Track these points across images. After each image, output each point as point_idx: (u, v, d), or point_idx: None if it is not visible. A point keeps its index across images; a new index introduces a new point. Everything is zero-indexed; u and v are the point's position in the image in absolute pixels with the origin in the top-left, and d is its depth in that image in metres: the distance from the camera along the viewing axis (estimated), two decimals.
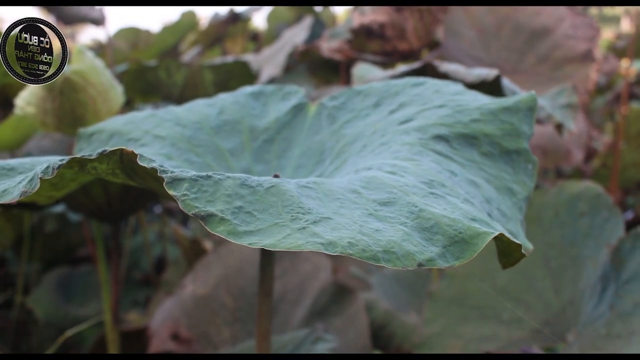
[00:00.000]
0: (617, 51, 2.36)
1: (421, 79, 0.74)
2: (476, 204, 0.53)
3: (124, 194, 1.00)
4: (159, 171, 0.45)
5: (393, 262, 0.42)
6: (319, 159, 0.73)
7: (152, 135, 0.74)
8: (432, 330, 1.02)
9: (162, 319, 1.18)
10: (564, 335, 0.91)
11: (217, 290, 1.17)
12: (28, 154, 1.52)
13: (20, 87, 1.13)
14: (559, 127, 1.03)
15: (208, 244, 1.48)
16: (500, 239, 0.48)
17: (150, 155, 0.69)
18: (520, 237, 0.56)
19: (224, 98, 0.83)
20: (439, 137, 0.61)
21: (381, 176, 0.52)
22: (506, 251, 0.51)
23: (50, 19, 2.12)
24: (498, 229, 0.48)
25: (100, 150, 0.49)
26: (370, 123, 0.70)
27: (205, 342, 1.14)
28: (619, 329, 0.81)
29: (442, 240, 0.45)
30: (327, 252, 0.40)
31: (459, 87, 0.70)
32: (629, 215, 2.08)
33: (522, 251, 0.49)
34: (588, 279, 0.93)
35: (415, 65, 0.99)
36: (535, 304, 0.98)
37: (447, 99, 0.67)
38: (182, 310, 1.17)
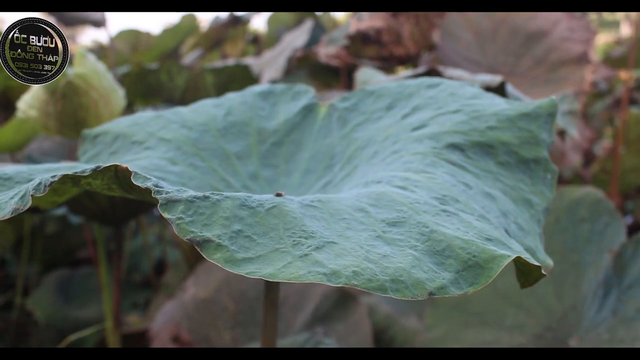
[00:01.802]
0: (612, 60, 2.35)
1: (436, 80, 0.70)
2: (492, 220, 0.50)
3: (127, 198, 1.00)
4: (153, 192, 0.43)
5: (402, 292, 0.39)
6: (329, 164, 0.71)
7: (157, 137, 0.72)
8: (434, 336, 1.01)
9: (163, 322, 1.18)
10: (567, 341, 0.91)
11: (218, 294, 1.17)
12: (29, 157, 1.52)
13: (22, 90, 1.13)
14: (561, 133, 1.04)
15: None
16: (519, 259, 0.45)
17: (155, 160, 0.68)
18: (539, 252, 0.53)
19: (231, 98, 0.81)
20: (454, 146, 0.59)
21: (391, 192, 0.50)
22: (525, 270, 0.48)
23: (51, 20, 2.12)
24: (515, 249, 0.46)
25: (93, 167, 0.47)
26: (383, 127, 0.68)
27: (206, 345, 1.14)
28: (622, 334, 0.81)
29: (455, 265, 0.42)
30: (331, 284, 0.38)
31: (476, 89, 0.67)
32: (629, 220, 2.08)
33: (543, 272, 0.46)
34: (590, 285, 0.94)
35: (420, 70, 0.99)
36: (537, 310, 0.98)
37: (463, 103, 0.64)
38: (183, 313, 1.17)
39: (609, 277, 0.90)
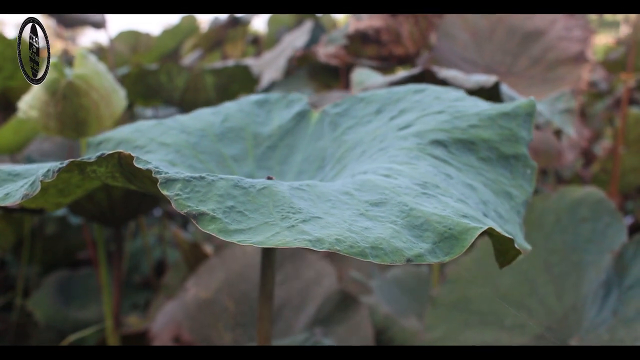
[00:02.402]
0: (609, 64, 2.34)
1: (422, 86, 0.74)
2: (471, 204, 0.53)
3: (126, 198, 1.00)
4: (153, 172, 0.46)
5: (381, 257, 0.42)
6: (320, 165, 0.73)
7: (158, 142, 0.75)
8: (434, 336, 1.01)
9: (163, 322, 1.18)
10: (567, 341, 0.91)
11: (219, 294, 1.17)
12: (29, 157, 1.52)
13: (21, 91, 1.13)
14: (558, 132, 1.04)
15: (208, 248, 1.48)
16: (493, 235, 0.48)
17: (155, 162, 0.70)
18: (518, 238, 0.56)
19: (228, 106, 0.84)
20: (437, 142, 0.62)
21: (375, 178, 0.53)
22: (502, 249, 0.51)
23: (51, 22, 2.13)
24: (489, 224, 0.49)
25: (98, 154, 0.50)
26: (372, 129, 0.71)
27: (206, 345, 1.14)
28: (622, 335, 0.81)
29: (432, 236, 0.45)
30: (315, 248, 0.41)
31: (460, 93, 0.70)
32: (629, 220, 2.08)
33: (516, 246, 0.49)
34: (590, 285, 0.93)
35: (414, 71, 0.99)
36: (538, 310, 0.98)
37: (447, 105, 0.67)
38: (184, 313, 1.17)
39: (610, 278, 0.90)
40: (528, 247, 0.56)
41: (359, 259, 0.41)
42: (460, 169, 0.60)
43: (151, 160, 0.70)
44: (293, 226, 0.43)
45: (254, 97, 0.86)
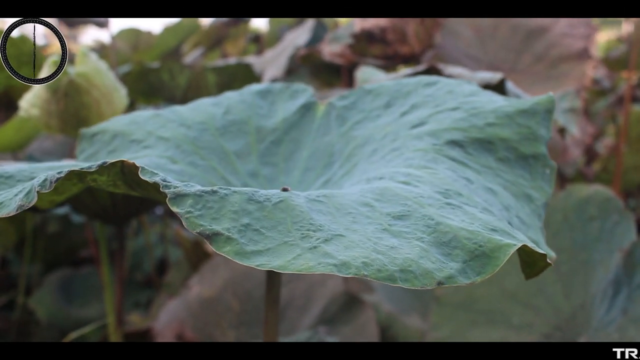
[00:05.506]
0: (609, 62, 2.33)
1: (434, 78, 0.71)
2: (495, 213, 0.50)
3: (129, 196, 1.00)
4: (161, 186, 0.43)
5: (411, 281, 0.39)
6: (328, 162, 0.71)
7: (156, 136, 0.72)
8: (440, 335, 1.01)
9: (166, 320, 1.18)
10: (575, 341, 0.91)
11: (223, 293, 1.17)
12: (30, 156, 1.52)
13: (24, 90, 1.13)
14: (562, 130, 1.04)
15: (210, 247, 1.48)
16: (523, 250, 0.45)
17: (154, 158, 0.68)
18: (541, 245, 0.53)
19: (230, 97, 0.81)
20: (454, 143, 0.59)
21: (394, 187, 0.50)
22: (529, 261, 0.48)
23: (53, 21, 2.12)
24: (520, 238, 0.46)
25: (100, 162, 0.47)
26: (381, 125, 0.68)
27: None
28: (632, 333, 0.81)
29: (462, 255, 0.42)
30: (340, 274, 0.38)
31: (473, 87, 0.68)
32: None
33: (548, 261, 0.46)
34: (599, 284, 0.93)
35: (420, 68, 0.99)
36: (545, 309, 0.97)
37: (461, 101, 0.64)
38: (188, 311, 1.17)
39: (619, 276, 0.90)
40: (552, 254, 0.54)
41: (388, 283, 0.39)
42: (479, 171, 0.57)
43: (150, 156, 0.69)
44: (315, 247, 0.40)
45: (255, 87, 0.82)
